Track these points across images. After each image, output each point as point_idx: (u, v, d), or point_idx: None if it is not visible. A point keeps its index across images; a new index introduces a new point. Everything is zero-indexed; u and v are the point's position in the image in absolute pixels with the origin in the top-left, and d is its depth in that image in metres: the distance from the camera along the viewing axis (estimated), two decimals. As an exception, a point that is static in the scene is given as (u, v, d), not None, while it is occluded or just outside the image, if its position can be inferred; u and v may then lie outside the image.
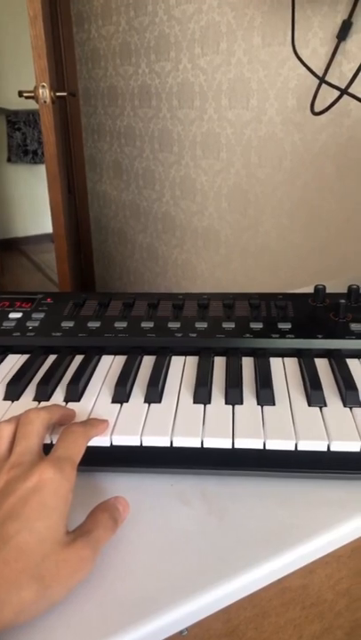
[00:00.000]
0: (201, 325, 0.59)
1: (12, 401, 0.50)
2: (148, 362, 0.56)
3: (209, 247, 1.74)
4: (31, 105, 2.33)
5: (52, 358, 0.57)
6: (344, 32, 1.06)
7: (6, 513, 0.34)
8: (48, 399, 0.50)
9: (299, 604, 0.45)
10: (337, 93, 1.08)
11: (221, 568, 0.37)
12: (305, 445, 0.43)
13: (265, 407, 0.48)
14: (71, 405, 0.49)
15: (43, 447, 0.40)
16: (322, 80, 1.12)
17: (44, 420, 0.41)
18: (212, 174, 1.62)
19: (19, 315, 0.62)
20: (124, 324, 0.59)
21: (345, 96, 1.06)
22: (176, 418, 0.47)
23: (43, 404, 0.50)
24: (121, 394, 0.50)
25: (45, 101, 1.87)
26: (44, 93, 1.85)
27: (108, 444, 0.44)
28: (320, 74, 1.12)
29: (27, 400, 0.50)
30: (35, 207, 3.96)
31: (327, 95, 1.12)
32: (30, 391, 0.52)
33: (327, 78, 1.11)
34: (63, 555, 0.34)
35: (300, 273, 1.36)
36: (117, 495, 0.40)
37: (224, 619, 0.40)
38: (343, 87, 1.06)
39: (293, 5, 1.11)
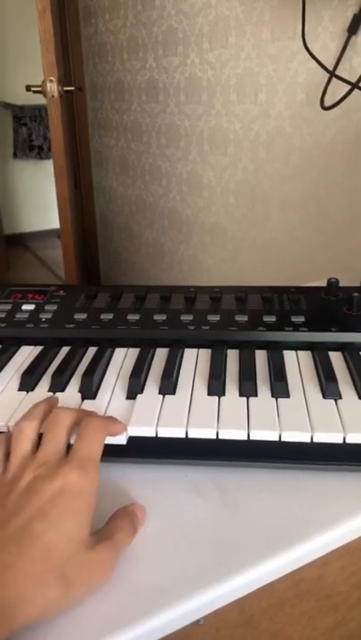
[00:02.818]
0: (213, 318, 0.59)
1: (27, 392, 0.51)
2: (161, 354, 0.56)
3: (216, 243, 1.74)
4: (37, 100, 2.33)
5: (65, 350, 0.57)
6: (355, 26, 1.05)
7: (34, 513, 0.34)
8: (63, 390, 0.50)
9: (313, 595, 0.45)
10: (347, 88, 1.07)
11: (236, 559, 0.37)
12: (320, 437, 0.43)
13: (279, 399, 0.48)
14: (87, 403, 0.49)
15: (67, 445, 0.40)
16: (332, 74, 1.11)
17: (72, 421, 0.41)
18: (219, 170, 1.62)
19: (31, 307, 0.62)
20: (136, 317, 0.59)
21: (355, 90, 1.05)
22: (191, 409, 0.47)
23: (58, 394, 0.50)
24: (135, 385, 0.50)
25: (53, 96, 1.86)
26: (52, 88, 1.85)
27: (125, 443, 0.44)
28: (330, 68, 1.11)
29: (42, 391, 0.51)
30: (40, 203, 3.96)
31: (337, 90, 1.12)
32: (45, 382, 0.52)
33: (337, 72, 1.11)
34: (87, 556, 0.34)
35: (307, 268, 1.36)
36: (134, 502, 0.40)
37: (239, 609, 0.40)
38: (353, 81, 1.05)
39: (304, -1, 1.11)
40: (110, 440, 0.44)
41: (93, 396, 0.50)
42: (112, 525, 0.38)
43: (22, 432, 0.40)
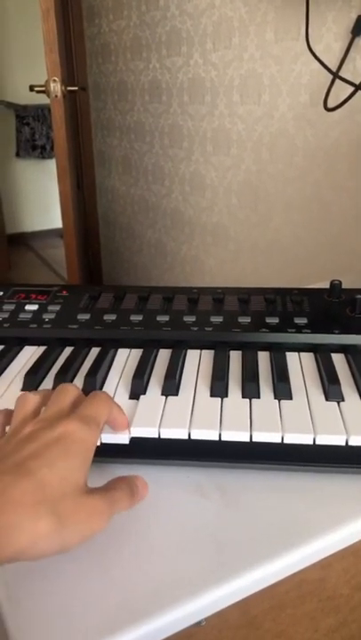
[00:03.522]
0: (216, 319, 0.59)
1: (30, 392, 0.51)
2: (163, 355, 0.56)
3: (218, 243, 1.74)
4: (40, 100, 2.33)
5: (68, 350, 0.57)
6: (359, 28, 1.05)
7: (28, 454, 0.35)
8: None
9: (315, 596, 0.45)
10: (350, 89, 1.07)
11: (239, 560, 0.37)
12: (323, 440, 0.43)
13: (282, 401, 0.48)
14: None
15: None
16: (336, 75, 1.11)
17: (78, 394, 0.42)
18: (222, 170, 1.62)
19: (35, 307, 0.62)
20: (139, 318, 0.60)
21: (359, 92, 1.05)
22: (194, 411, 0.47)
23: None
24: (138, 386, 0.50)
25: (57, 95, 1.87)
26: (56, 88, 1.85)
27: (127, 442, 0.44)
28: (334, 69, 1.11)
29: (44, 391, 0.51)
30: (43, 202, 3.96)
31: (340, 91, 1.12)
32: (48, 382, 0.52)
33: (341, 74, 1.11)
34: (81, 499, 0.34)
35: (310, 269, 1.36)
36: (137, 475, 0.40)
37: (241, 610, 0.40)
38: (357, 83, 1.06)
39: (308, 0, 1.11)
40: (113, 439, 0.44)
41: None
42: (110, 484, 0.38)
43: (25, 399, 0.41)
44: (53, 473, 0.34)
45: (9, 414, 0.41)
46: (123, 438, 0.44)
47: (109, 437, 0.44)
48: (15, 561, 0.32)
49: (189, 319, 0.59)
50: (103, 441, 0.44)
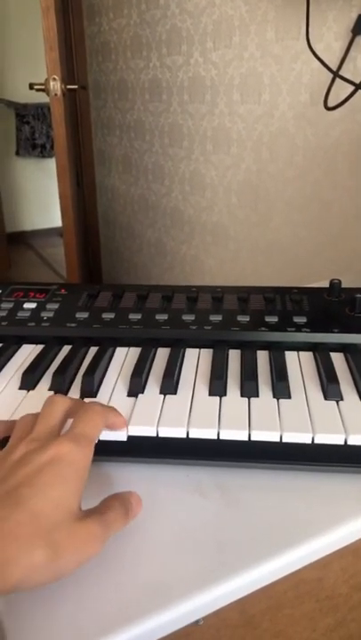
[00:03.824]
0: (215, 318, 0.59)
1: (28, 390, 0.51)
2: (162, 354, 0.56)
3: (218, 243, 1.73)
4: (40, 98, 2.33)
5: (66, 349, 0.57)
6: (359, 27, 1.05)
7: (21, 480, 0.34)
8: (64, 389, 0.50)
9: (313, 596, 0.45)
10: (351, 88, 1.07)
11: (237, 559, 0.37)
12: (322, 439, 0.43)
13: (281, 400, 0.48)
14: (88, 400, 0.49)
15: (61, 430, 0.40)
16: (336, 75, 1.11)
17: (67, 405, 0.41)
18: (222, 169, 1.62)
19: (33, 305, 0.62)
20: (138, 316, 0.59)
21: (359, 91, 1.05)
22: (192, 409, 0.47)
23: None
24: (137, 385, 0.50)
25: (56, 94, 1.86)
26: (56, 86, 1.85)
27: (125, 439, 0.44)
28: (334, 68, 1.11)
29: (42, 390, 0.50)
30: (42, 201, 3.96)
31: (341, 90, 1.12)
32: (46, 381, 0.52)
33: (341, 73, 1.10)
34: (75, 526, 0.34)
35: (310, 269, 1.36)
36: (131, 491, 0.40)
37: (240, 609, 0.40)
38: (357, 82, 1.05)
39: (308, -1, 1.11)
40: (111, 436, 0.44)
41: (94, 394, 0.50)
42: (103, 504, 0.38)
43: (23, 420, 0.41)
44: (47, 501, 0.34)
45: (9, 428, 0.41)
46: (121, 435, 0.44)
47: (107, 435, 0.44)
48: (11, 593, 0.32)
49: (188, 318, 0.59)
50: (101, 438, 0.44)
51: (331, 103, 1.14)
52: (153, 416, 0.46)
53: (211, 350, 0.56)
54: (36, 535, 0.32)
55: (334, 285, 0.62)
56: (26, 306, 0.62)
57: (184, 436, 0.44)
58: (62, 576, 0.33)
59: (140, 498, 0.40)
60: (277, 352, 0.55)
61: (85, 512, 0.36)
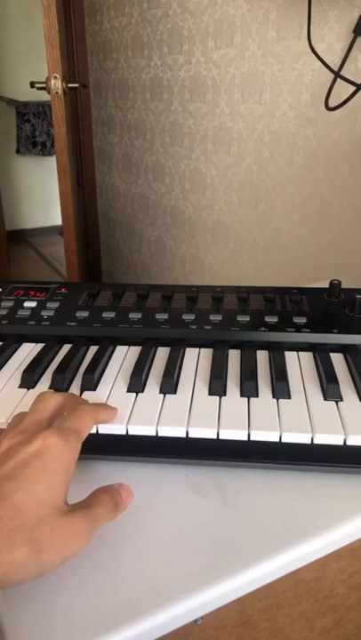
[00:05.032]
0: (215, 318, 0.59)
1: (28, 389, 0.51)
2: (162, 353, 0.56)
3: (218, 242, 1.73)
4: (40, 97, 2.33)
5: (66, 348, 0.57)
6: (361, 27, 1.05)
7: (4, 474, 0.34)
8: (64, 388, 0.50)
9: (312, 596, 0.45)
10: (352, 89, 1.07)
11: (236, 559, 0.37)
12: (321, 439, 0.43)
13: (280, 400, 0.48)
14: (87, 394, 0.49)
15: (50, 425, 0.40)
16: (337, 75, 1.11)
17: (58, 401, 0.41)
18: (222, 168, 1.62)
19: (33, 304, 0.62)
20: (138, 315, 0.59)
21: (360, 91, 1.05)
22: (192, 409, 0.47)
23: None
24: (136, 384, 0.50)
25: (57, 92, 1.86)
26: (56, 84, 1.85)
27: (124, 432, 0.44)
28: (335, 69, 1.11)
29: (42, 388, 0.50)
30: (43, 199, 3.96)
31: (342, 91, 1.12)
32: (46, 380, 0.52)
33: (342, 73, 1.10)
34: (60, 522, 0.33)
35: (310, 268, 1.36)
36: (121, 482, 0.39)
37: (238, 609, 0.40)
38: (359, 82, 1.05)
39: (310, -1, 1.11)
40: (110, 430, 0.44)
41: (94, 389, 0.50)
42: (91, 498, 0.37)
43: (15, 418, 0.41)
44: (30, 496, 0.33)
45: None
46: (120, 429, 0.44)
47: (106, 428, 0.44)
48: None
49: (188, 317, 0.59)
50: (100, 432, 0.44)
51: (332, 103, 1.14)
52: (152, 415, 0.46)
53: (211, 350, 0.56)
54: (17, 531, 0.32)
55: (334, 286, 0.62)
56: (26, 304, 0.62)
57: (183, 435, 0.44)
58: (45, 573, 0.33)
59: (132, 489, 0.39)
60: (277, 352, 0.55)
61: (72, 506, 0.35)
